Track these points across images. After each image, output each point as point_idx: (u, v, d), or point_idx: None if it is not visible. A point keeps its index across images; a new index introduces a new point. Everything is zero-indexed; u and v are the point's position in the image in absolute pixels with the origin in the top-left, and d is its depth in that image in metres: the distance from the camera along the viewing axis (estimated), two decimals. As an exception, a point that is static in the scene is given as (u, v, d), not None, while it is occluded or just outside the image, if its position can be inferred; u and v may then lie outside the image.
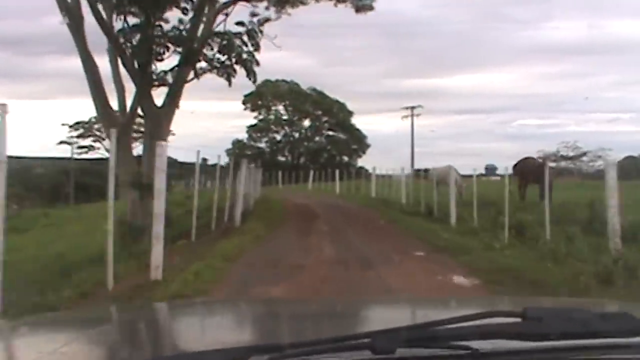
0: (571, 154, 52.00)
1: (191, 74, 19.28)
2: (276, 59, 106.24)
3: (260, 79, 19.44)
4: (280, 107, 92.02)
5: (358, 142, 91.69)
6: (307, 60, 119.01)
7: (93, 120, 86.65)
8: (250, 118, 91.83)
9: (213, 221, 19.93)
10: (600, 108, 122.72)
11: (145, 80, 18.89)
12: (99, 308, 5.02)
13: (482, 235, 15.82)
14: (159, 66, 19.05)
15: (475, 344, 1.40)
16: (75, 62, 18.58)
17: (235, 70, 19.16)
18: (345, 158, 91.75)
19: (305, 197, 37.64)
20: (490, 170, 62.95)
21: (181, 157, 40.76)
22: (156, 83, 19.12)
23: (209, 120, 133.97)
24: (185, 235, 17.36)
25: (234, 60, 19.06)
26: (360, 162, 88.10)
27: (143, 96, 19.13)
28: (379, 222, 21.54)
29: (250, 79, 19.20)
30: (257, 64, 19.29)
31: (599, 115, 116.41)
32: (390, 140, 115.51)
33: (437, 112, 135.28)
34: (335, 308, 2.80)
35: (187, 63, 18.69)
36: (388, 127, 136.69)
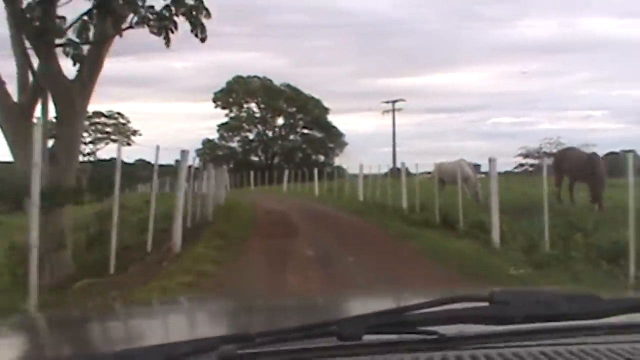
0: (554, 150, 50.82)
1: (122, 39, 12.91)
2: (249, 60, 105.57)
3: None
4: (253, 105, 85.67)
5: (335, 140, 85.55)
6: (281, 61, 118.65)
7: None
8: (222, 117, 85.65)
9: (149, 239, 13.61)
10: (573, 105, 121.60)
11: (44, 39, 12.45)
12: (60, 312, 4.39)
13: (579, 269, 9.45)
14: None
15: (442, 329, 1.38)
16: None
17: (175, 24, 12.73)
18: (322, 157, 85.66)
19: (279, 201, 31.34)
20: (475, 168, 58.60)
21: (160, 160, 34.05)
22: (59, 42, 12.68)
23: (182, 121, 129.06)
24: (101, 266, 11.79)
25: (173, 9, 12.61)
26: (337, 162, 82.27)
27: (46, 64, 12.73)
28: (385, 240, 15.13)
29: (196, 34, 12.74)
30: (208, 14, 12.85)
31: (572, 112, 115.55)
32: (365, 140, 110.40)
33: (411, 111, 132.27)
34: (307, 301, 2.82)
35: (102, 9, 12.20)
36: (363, 127, 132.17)
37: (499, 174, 15.82)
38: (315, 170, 40.65)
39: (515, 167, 63.17)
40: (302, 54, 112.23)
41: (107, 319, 2.40)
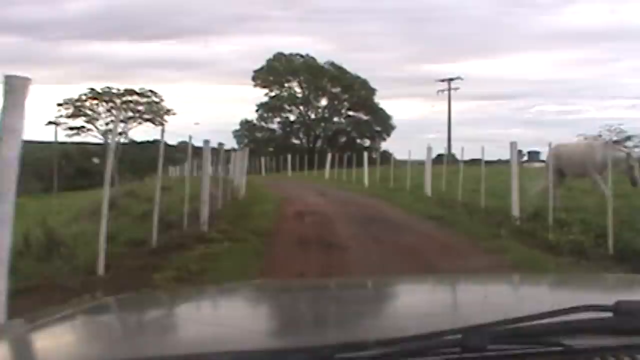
0: (615, 138, 42.23)
1: None
2: (295, 44, 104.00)
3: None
4: (295, 84, 77.44)
5: (382, 123, 76.86)
6: (327, 45, 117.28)
7: (84, 97, 73.72)
8: (263, 98, 77.73)
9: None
10: (621, 94, 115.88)
11: None
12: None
13: None
14: None
15: (567, 340, 1.31)
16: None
17: None
18: (367, 141, 77.00)
19: (319, 194, 23.04)
20: (534, 155, 51.43)
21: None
22: None
23: (226, 104, 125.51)
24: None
25: None
26: (383, 146, 73.76)
27: None
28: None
29: None
30: None
31: (619, 101, 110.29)
32: (410, 126, 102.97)
33: (455, 98, 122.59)
34: (392, 288, 2.46)
35: None
36: (408, 113, 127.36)
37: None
38: (365, 155, 32.03)
39: None
40: (348, 39, 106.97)
41: (175, 302, 2.23)
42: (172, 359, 1.31)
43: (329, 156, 40.18)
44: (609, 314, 1.32)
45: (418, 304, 2.10)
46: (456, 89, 61.19)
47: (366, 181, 29.88)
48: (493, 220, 13.52)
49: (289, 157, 48.45)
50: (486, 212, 15.22)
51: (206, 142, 14.94)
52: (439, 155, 37.75)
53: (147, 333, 1.73)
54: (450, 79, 61.32)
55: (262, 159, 53.09)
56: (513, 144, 14.52)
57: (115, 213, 13.28)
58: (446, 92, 62.00)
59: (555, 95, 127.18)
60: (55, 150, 58.89)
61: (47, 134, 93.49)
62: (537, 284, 2.65)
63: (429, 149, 23.81)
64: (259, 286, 2.92)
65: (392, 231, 12.76)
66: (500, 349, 1.28)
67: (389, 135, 77.28)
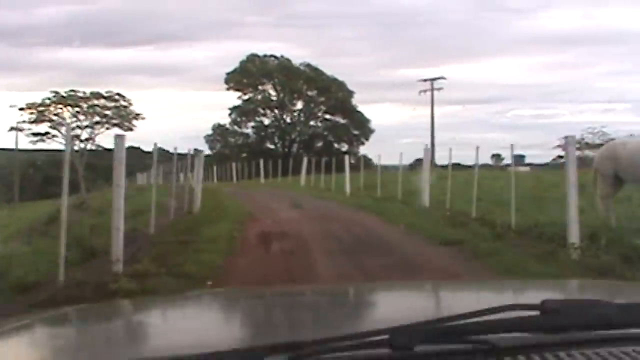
0: (597, 141, 44.34)
1: None
2: (271, 50, 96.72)
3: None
4: (269, 87, 72.91)
5: (360, 126, 72.70)
6: (303, 51, 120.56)
7: (48, 101, 68.84)
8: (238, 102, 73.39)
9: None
10: (595, 98, 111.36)
11: None
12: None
13: None
14: None
15: (494, 338, 1.32)
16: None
17: None
18: (345, 145, 72.80)
19: (293, 206, 18.78)
20: (518, 159, 47.72)
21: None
22: None
23: (200, 110, 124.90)
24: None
25: None
26: (362, 151, 69.72)
27: None
28: None
29: None
30: None
31: (594, 105, 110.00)
32: (386, 131, 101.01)
33: (429, 103, 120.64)
34: (344, 296, 2.57)
35: None
36: (383, 118, 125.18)
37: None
38: (347, 159, 27.68)
39: (554, 159, 53.41)
40: (324, 44, 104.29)
41: (127, 312, 2.24)
42: None
43: (305, 161, 35.87)
44: (536, 312, 1.32)
45: (353, 308, 2.23)
46: (439, 89, 57.30)
47: (348, 189, 25.63)
48: (538, 248, 9.32)
49: (262, 162, 43.99)
50: (516, 233, 11.07)
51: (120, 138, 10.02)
52: (418, 160, 36.20)
53: (110, 340, 1.72)
54: (433, 79, 57.38)
55: (234, 165, 48.63)
56: (569, 141, 10.25)
57: (54, 229, 10.98)
58: (428, 93, 57.91)
59: (531, 99, 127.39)
60: (16, 158, 55.04)
61: (12, 142, 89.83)
62: (467, 288, 2.70)
63: (427, 150, 19.69)
64: (218, 294, 3.18)
65: (397, 268, 8.52)
66: (427, 348, 1.27)
67: (367, 139, 73.29)
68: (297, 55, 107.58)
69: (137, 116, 70.55)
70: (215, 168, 51.95)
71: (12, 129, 65.38)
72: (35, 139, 67.13)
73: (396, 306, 2.20)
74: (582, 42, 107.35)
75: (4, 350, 1.58)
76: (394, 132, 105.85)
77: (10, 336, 1.69)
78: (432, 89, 57.27)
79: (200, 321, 1.92)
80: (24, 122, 67.25)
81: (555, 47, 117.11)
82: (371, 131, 72.91)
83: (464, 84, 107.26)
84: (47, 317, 2.05)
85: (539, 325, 1.32)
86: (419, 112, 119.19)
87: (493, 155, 77.50)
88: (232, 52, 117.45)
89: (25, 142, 62.33)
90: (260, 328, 1.85)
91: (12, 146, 54.85)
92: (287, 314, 2.08)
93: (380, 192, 23.05)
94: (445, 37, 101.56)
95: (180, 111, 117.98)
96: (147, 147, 27.98)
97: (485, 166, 30.57)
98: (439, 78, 58.51)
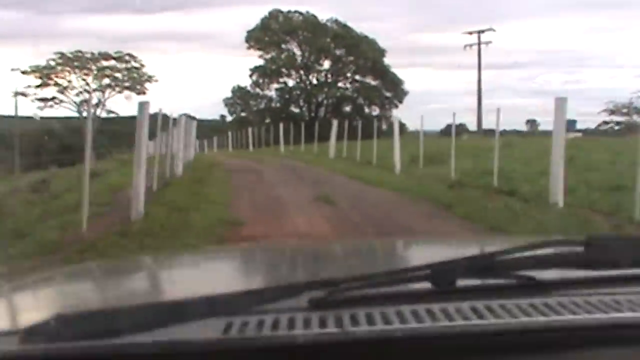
0: None
1: None
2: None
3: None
4: (293, 45, 64.82)
5: (393, 88, 64.38)
6: (329, 14, 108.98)
7: (52, 62, 61.47)
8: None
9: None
10: (628, 63, 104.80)
11: None
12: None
13: None
14: None
15: (537, 274, 1.25)
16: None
17: None
18: (376, 109, 64.68)
19: (317, 203, 10.82)
20: (570, 125, 40.25)
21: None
22: None
23: (227, 76, 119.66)
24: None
25: None
26: (395, 115, 61.58)
27: None
28: None
29: None
30: None
31: (626, 70, 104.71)
32: (415, 97, 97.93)
33: (458, 68, 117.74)
34: (380, 247, 2.51)
35: None
36: (411, 84, 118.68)
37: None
38: (396, 123, 19.70)
39: (599, 125, 53.64)
40: (351, 8, 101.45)
41: (156, 267, 2.14)
42: (154, 306, 1.15)
43: (335, 125, 27.71)
44: (581, 248, 1.28)
45: (391, 257, 2.21)
46: (488, 42, 48.68)
47: (397, 164, 17.55)
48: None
49: (281, 127, 35.97)
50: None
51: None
52: (449, 126, 32.35)
53: (128, 291, 1.71)
54: (481, 31, 48.81)
55: (250, 131, 40.71)
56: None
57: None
58: (473, 49, 49.45)
59: (561, 64, 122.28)
60: (17, 124, 48.44)
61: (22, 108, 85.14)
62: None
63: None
64: (243, 250, 2.98)
65: None
66: (470, 283, 1.23)
67: (401, 102, 65.20)
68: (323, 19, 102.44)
69: (149, 78, 63.35)
70: (230, 134, 44.24)
71: (16, 94, 58.62)
72: (42, 104, 60.63)
73: (433, 253, 2.14)
74: (615, 5, 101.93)
75: (27, 300, 1.59)
76: (423, 97, 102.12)
77: (34, 287, 1.72)
78: (479, 43, 48.66)
79: (228, 274, 1.93)
80: (28, 86, 60.94)
81: (587, 10, 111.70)
82: (405, 93, 64.84)
83: (492, 48, 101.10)
84: (70, 271, 2.17)
85: (585, 261, 1.26)
86: (448, 77, 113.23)
87: (528, 121, 71.20)
88: (258, 17, 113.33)
89: (32, 109, 57.19)
90: (295, 273, 1.89)
91: (23, 114, 49.78)
92: (322, 264, 2.05)
93: (455, 173, 15.05)
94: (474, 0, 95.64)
95: (207, 77, 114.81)
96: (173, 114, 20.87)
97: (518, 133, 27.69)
98: (487, 30, 49.86)
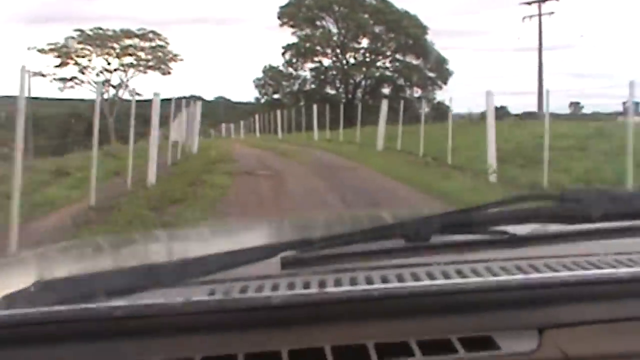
0: None
1: None
2: None
3: None
4: (329, 22, 58.90)
5: (436, 68, 58.14)
6: None
7: (72, 40, 56.46)
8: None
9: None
10: None
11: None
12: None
13: None
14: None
15: (512, 229, 1.24)
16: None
17: None
18: (418, 91, 58.47)
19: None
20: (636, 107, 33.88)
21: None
22: None
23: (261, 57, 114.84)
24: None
25: None
26: (439, 97, 56.21)
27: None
28: None
29: None
30: None
31: None
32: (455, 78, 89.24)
33: (487, 50, 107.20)
34: (356, 218, 2.64)
35: None
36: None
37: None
38: (491, 99, 13.61)
39: None
40: None
41: (150, 242, 2.19)
42: (130, 271, 1.14)
43: (384, 107, 21.51)
44: (555, 202, 1.29)
45: (370, 222, 2.12)
46: (551, 13, 42.17)
47: (493, 160, 11.54)
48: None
49: (315, 109, 30.00)
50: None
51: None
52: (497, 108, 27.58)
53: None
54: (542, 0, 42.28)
55: (279, 114, 34.88)
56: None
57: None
58: (532, 20, 43.03)
59: (598, 45, 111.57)
60: (30, 106, 43.65)
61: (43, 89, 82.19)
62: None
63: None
64: (225, 224, 3.31)
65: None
66: (444, 239, 1.23)
67: (445, 83, 58.98)
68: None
69: (174, 57, 58.12)
70: (257, 118, 38.51)
71: (35, 74, 54.00)
72: (62, 85, 56.04)
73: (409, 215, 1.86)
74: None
75: (15, 274, 1.61)
76: (466, 78, 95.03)
77: (24, 263, 1.77)
78: (540, 14, 42.18)
79: (209, 244, 1.94)
80: (47, 66, 56.58)
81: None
82: (449, 73, 58.56)
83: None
84: (62, 246, 2.15)
85: (559, 215, 1.26)
86: (491, 59, 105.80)
87: (571, 103, 65.54)
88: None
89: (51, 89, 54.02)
90: (271, 239, 1.93)
91: (45, 95, 46.94)
92: (301, 232, 2.06)
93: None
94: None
95: (242, 58, 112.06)
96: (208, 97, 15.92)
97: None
98: None
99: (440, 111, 36.60)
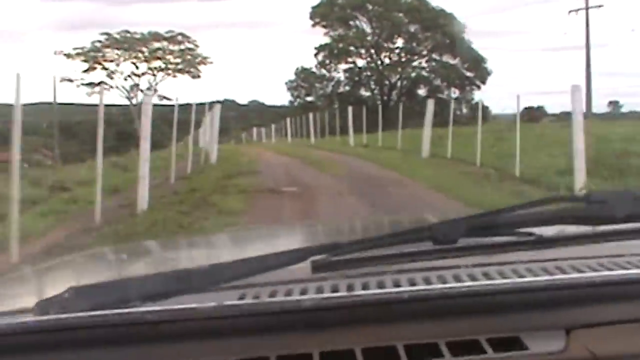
0: None
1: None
2: None
3: None
4: (363, 21, 56.84)
5: (474, 67, 55.51)
6: None
7: (99, 44, 54.96)
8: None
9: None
10: None
11: None
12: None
13: None
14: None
15: (538, 231, 1.24)
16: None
17: None
18: (455, 91, 55.91)
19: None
20: None
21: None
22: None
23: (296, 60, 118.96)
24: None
25: None
26: (477, 97, 53.17)
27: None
28: None
29: None
30: None
31: None
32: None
33: (513, 50, 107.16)
34: (384, 222, 2.64)
35: None
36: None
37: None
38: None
39: None
40: None
41: (173, 249, 2.22)
42: (162, 276, 1.14)
43: (430, 107, 18.96)
44: (581, 204, 1.28)
45: (387, 225, 2.27)
46: (599, 6, 39.32)
47: (582, 175, 9.13)
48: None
49: (350, 111, 27.72)
50: None
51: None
52: (526, 109, 31.33)
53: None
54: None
55: (311, 117, 32.67)
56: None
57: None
58: (578, 14, 40.23)
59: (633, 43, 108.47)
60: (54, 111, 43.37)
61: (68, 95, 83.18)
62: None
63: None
64: (254, 230, 3.19)
65: None
66: (470, 241, 1.23)
67: (484, 82, 56.44)
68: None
69: (204, 60, 56.43)
70: (288, 121, 36.37)
71: (62, 80, 52.85)
72: (90, 90, 54.71)
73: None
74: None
75: (45, 281, 1.64)
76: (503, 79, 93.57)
77: (53, 270, 1.77)
78: (587, 8, 39.32)
79: (236, 250, 1.97)
80: (74, 71, 55.57)
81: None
82: (488, 73, 55.93)
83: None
84: (86, 255, 2.18)
85: (584, 217, 1.25)
86: (529, 59, 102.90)
87: (610, 102, 63.33)
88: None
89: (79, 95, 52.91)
90: (298, 244, 1.82)
91: (70, 100, 46.07)
92: (331, 236, 2.07)
93: None
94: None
95: (275, 61, 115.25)
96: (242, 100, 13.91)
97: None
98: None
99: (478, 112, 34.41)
